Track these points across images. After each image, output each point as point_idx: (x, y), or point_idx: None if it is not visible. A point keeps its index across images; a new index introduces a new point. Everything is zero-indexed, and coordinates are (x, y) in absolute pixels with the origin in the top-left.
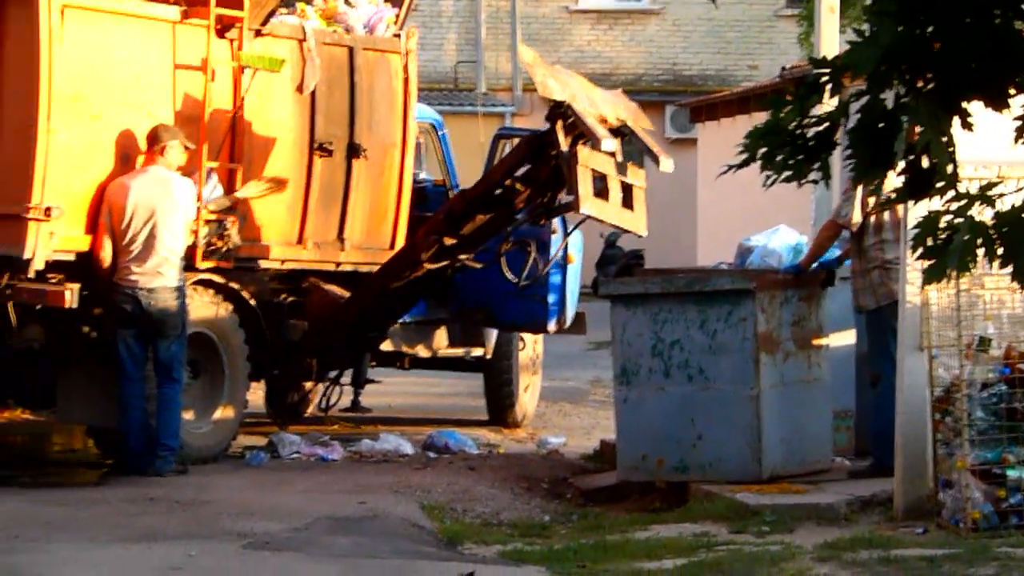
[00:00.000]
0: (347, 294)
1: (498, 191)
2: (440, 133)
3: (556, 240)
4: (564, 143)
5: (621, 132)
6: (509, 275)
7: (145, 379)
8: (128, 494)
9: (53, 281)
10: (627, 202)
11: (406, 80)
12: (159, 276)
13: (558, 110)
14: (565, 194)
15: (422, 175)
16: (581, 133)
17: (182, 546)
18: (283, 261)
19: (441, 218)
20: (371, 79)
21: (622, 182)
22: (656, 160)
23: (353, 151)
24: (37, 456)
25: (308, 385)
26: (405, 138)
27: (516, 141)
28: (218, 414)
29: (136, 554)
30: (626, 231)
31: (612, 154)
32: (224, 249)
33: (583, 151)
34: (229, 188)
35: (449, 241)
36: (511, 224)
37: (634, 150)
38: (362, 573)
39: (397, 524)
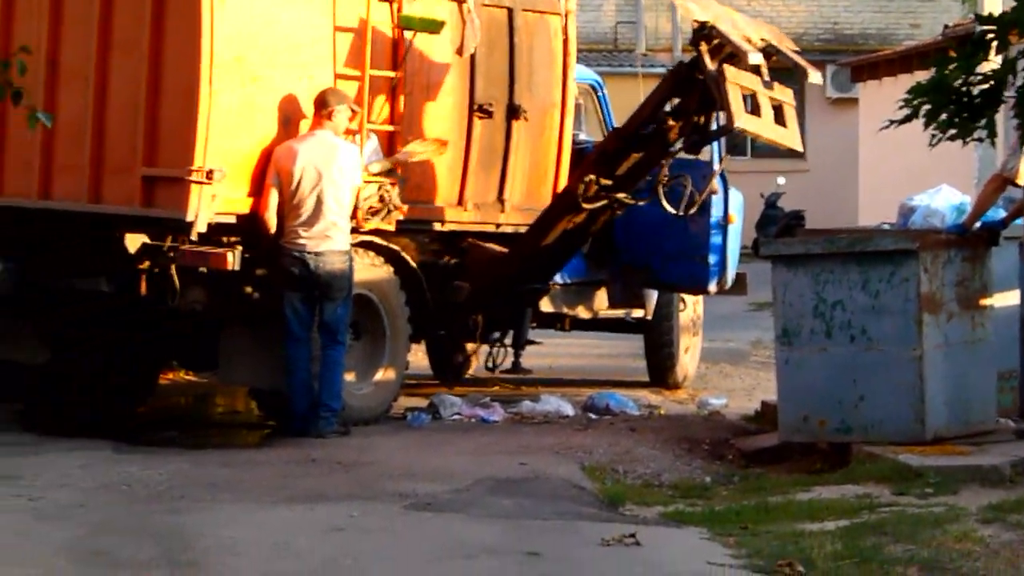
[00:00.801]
0: (497, 249)
1: (649, 127)
2: (600, 94)
3: (716, 201)
4: (711, 64)
5: (766, 52)
6: (668, 208)
7: (310, 341)
8: (291, 455)
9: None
10: (779, 120)
11: (565, 41)
12: (327, 240)
13: (701, 32)
14: (717, 114)
15: (582, 136)
16: (726, 55)
17: (344, 507)
18: (444, 223)
19: (595, 158)
20: (530, 40)
21: (772, 100)
22: (804, 74)
23: (513, 113)
24: (200, 418)
25: (471, 347)
26: (565, 99)
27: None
28: (379, 376)
29: (299, 515)
30: (782, 146)
31: (758, 70)
32: (385, 211)
33: (730, 70)
34: (389, 151)
35: (604, 180)
36: (666, 159)
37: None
38: (524, 534)
39: (558, 485)
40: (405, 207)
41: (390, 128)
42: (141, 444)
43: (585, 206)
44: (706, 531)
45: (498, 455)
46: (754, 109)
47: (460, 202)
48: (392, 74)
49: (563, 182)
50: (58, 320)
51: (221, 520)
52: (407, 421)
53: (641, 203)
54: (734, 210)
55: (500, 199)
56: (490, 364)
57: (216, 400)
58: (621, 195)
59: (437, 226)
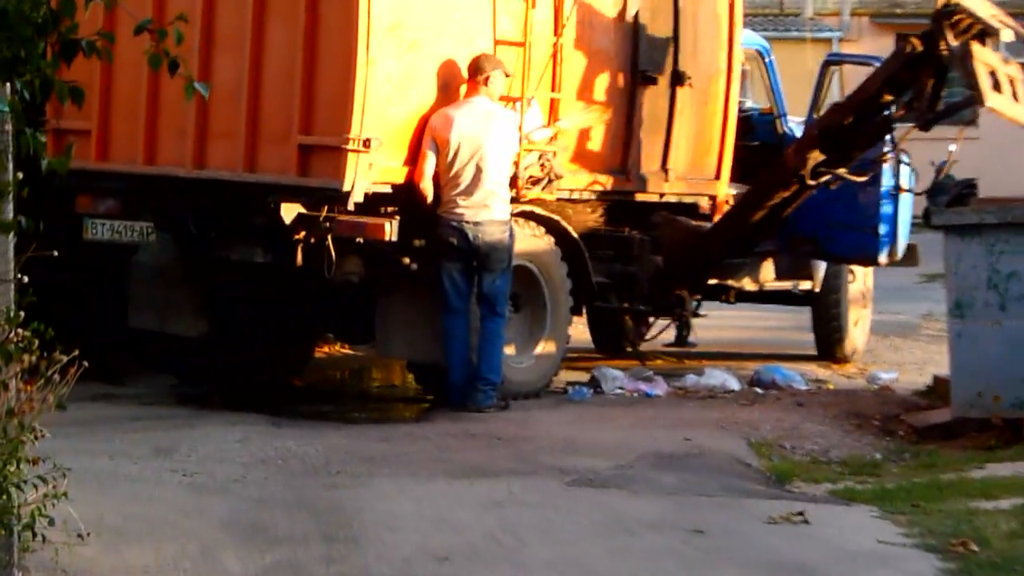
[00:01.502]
0: (699, 224)
1: (872, 102)
2: (767, 60)
3: (887, 170)
4: (954, 41)
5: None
6: (899, 184)
7: (468, 313)
8: (449, 429)
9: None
10: (1014, 96)
11: (731, 5)
12: (486, 209)
13: (945, 10)
14: (965, 91)
15: (748, 103)
16: (975, 32)
17: (504, 482)
18: (605, 192)
19: (815, 132)
20: (695, 5)
21: (1008, 76)
22: (996, 33)
23: (677, 79)
24: (357, 392)
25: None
26: (730, 65)
27: (845, 67)
28: (540, 349)
29: (458, 490)
30: (1020, 124)
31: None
32: (546, 181)
33: (976, 47)
34: (550, 118)
35: (822, 156)
36: (888, 134)
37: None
38: (688, 510)
39: (723, 461)
40: (566, 175)
41: (551, 95)
42: (298, 418)
43: (811, 183)
44: (876, 509)
45: (661, 430)
46: (995, 86)
47: (623, 171)
48: (554, 39)
49: (729, 151)
50: (214, 292)
51: (379, 495)
52: (568, 395)
53: (860, 179)
54: (905, 180)
55: (664, 168)
56: (685, 335)
57: (372, 373)
58: (841, 171)
59: (599, 196)
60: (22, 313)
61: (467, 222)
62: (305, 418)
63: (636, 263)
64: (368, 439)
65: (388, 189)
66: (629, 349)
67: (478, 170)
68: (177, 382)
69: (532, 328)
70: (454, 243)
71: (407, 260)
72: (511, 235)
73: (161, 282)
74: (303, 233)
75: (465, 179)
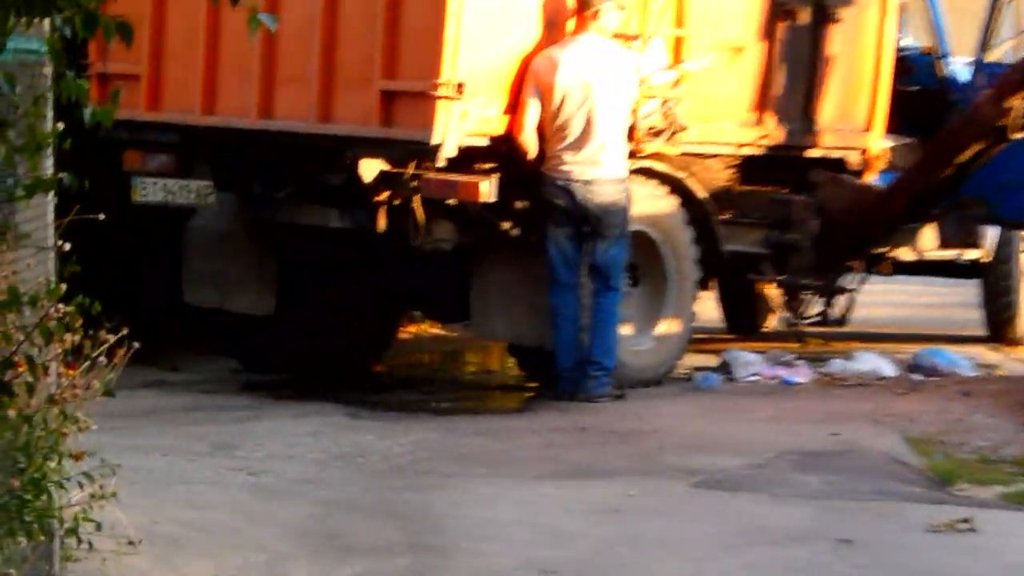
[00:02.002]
0: (869, 183)
1: None
2: None
3: None
4: None
5: None
6: None
7: (578, 287)
8: (556, 422)
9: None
10: None
11: None
12: (598, 165)
13: None
14: None
15: (906, 42)
16: None
17: (621, 484)
18: (739, 145)
19: (1017, 77)
20: None
21: None
22: None
23: (822, 14)
24: (449, 378)
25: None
26: None
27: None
28: (661, 328)
29: (566, 493)
30: None
31: None
32: (669, 132)
33: None
34: (674, 59)
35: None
36: None
37: None
38: (835, 517)
39: (877, 460)
40: (692, 126)
41: (676, 33)
42: (380, 409)
43: (1014, 136)
44: None
45: (804, 424)
46: None
47: (758, 121)
48: None
49: (883, 97)
50: (283, 263)
51: (474, 499)
52: (694, 383)
53: None
54: None
55: (806, 117)
56: (842, 314)
57: (467, 357)
58: None
59: (731, 149)
60: (64, 285)
61: (576, 180)
62: (388, 409)
63: (797, 229)
64: (461, 433)
65: (484, 142)
66: (766, 328)
67: (588, 120)
68: (240, 367)
69: (652, 304)
70: (561, 205)
71: (507, 225)
72: (627, 196)
73: (221, 251)
74: (386, 194)
75: (573, 131)
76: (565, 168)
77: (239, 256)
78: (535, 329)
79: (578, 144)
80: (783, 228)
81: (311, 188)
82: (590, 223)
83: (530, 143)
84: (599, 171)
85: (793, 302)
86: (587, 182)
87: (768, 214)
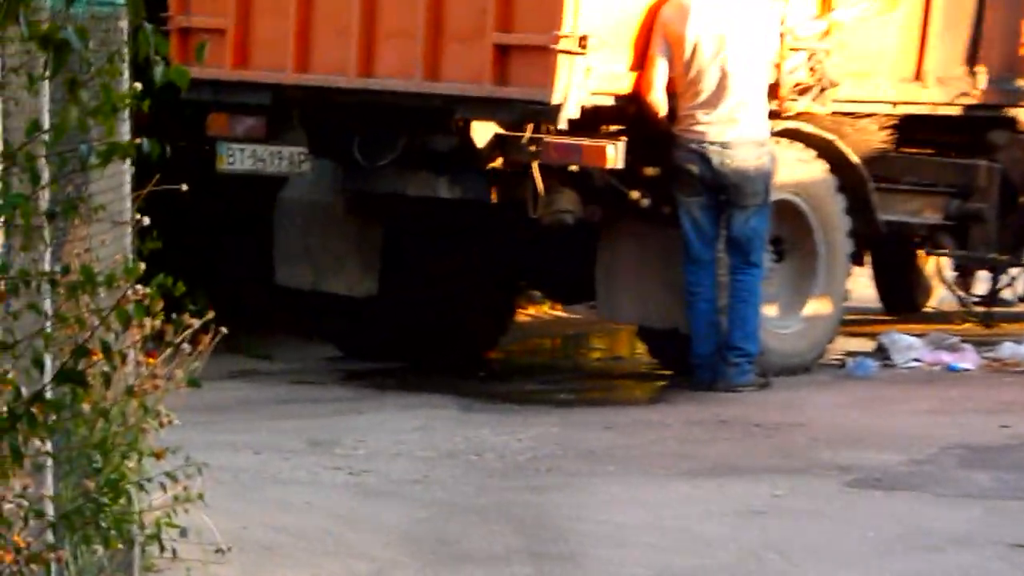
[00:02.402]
0: None
1: None
2: None
3: None
4: None
5: None
6: None
7: (715, 263)
8: (691, 415)
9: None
10: None
11: None
12: (735, 125)
13: None
14: None
15: None
16: None
17: (765, 483)
18: (895, 103)
19: None
20: None
21: None
22: None
23: None
24: (572, 366)
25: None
26: None
27: None
28: (809, 309)
29: (706, 494)
30: None
31: None
32: (817, 89)
33: None
34: (822, 7)
35: None
36: None
37: None
38: (1006, 519)
39: None
40: (842, 82)
41: None
42: (495, 400)
43: None
44: None
45: (970, 414)
46: None
47: (917, 76)
48: None
49: None
50: (386, 238)
51: (602, 500)
52: (847, 369)
53: None
54: None
55: (971, 71)
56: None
57: (592, 342)
58: None
59: (887, 108)
60: (143, 264)
61: (711, 143)
62: (504, 400)
63: (980, 198)
64: (587, 427)
65: (610, 102)
66: (927, 308)
67: (724, 74)
68: (338, 354)
69: (799, 282)
70: (694, 171)
71: (635, 195)
72: (769, 160)
73: (317, 226)
74: (500, 160)
75: (707, 87)
76: (699, 129)
77: (336, 231)
78: (667, 311)
79: (712, 101)
80: (964, 197)
81: (417, 155)
82: (727, 191)
83: (659, 101)
84: (737, 131)
85: (966, 279)
86: (723, 144)
87: (942, 181)
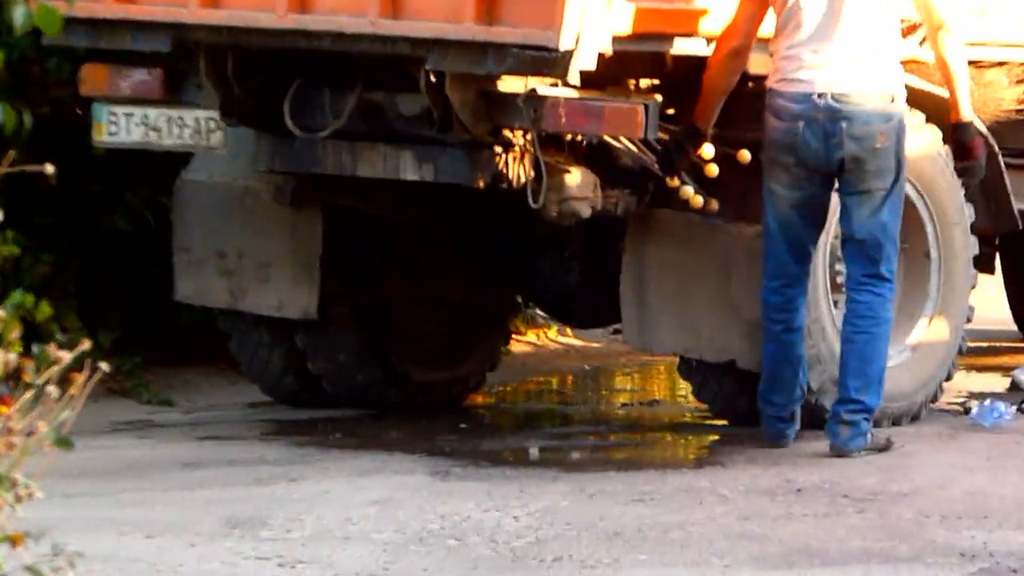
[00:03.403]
0: None
1: None
2: None
3: None
4: None
5: None
6: None
7: (808, 275)
8: (755, 481)
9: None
10: None
11: None
12: (853, 78)
13: None
14: None
15: None
16: None
17: (859, 574)
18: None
19: None
20: None
21: None
22: None
23: None
24: (590, 413)
25: None
26: None
27: None
28: (919, 334)
29: None
30: None
31: None
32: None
33: None
34: None
35: None
36: None
37: None
38: None
39: None
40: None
41: None
42: (482, 461)
43: None
44: None
45: None
46: None
47: None
48: None
49: None
50: (330, 239)
51: None
52: (971, 417)
53: None
54: None
55: None
56: None
57: (615, 380)
58: None
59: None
60: None
61: (817, 97)
62: (494, 462)
63: None
64: (609, 500)
65: (642, 47)
66: None
67: (832, 11)
68: (265, 399)
69: (905, 297)
70: (792, 137)
71: (675, 182)
72: (901, 130)
73: (234, 222)
74: (487, 128)
75: (809, 26)
76: (802, 76)
77: (260, 228)
78: (722, 338)
79: (823, 34)
80: None
81: (372, 122)
82: (842, 167)
83: (738, 43)
84: (855, 85)
85: None
86: (838, 100)
87: None
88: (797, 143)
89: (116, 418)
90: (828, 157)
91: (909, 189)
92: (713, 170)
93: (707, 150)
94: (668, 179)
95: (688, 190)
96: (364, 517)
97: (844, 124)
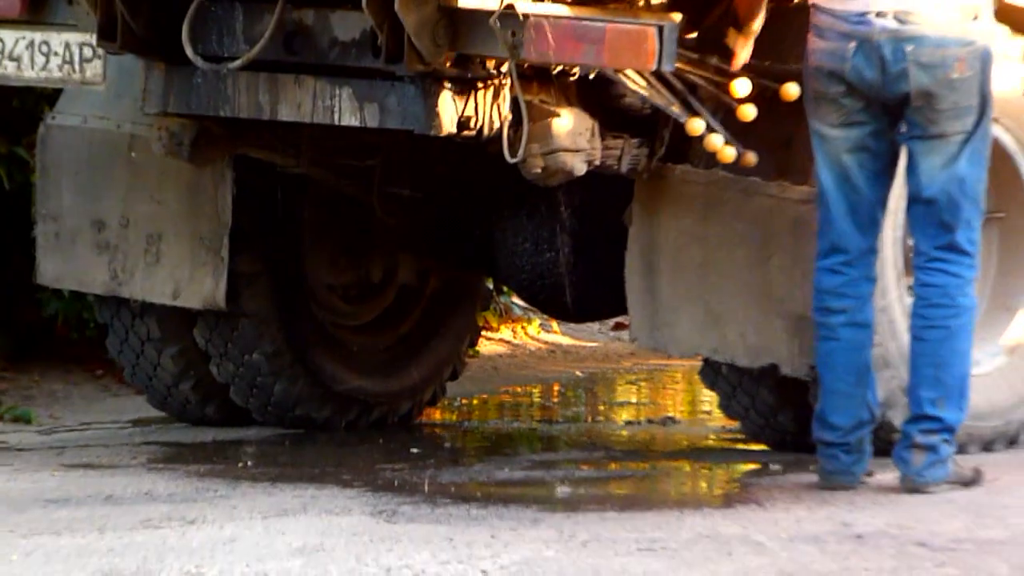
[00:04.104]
0: None
1: None
2: None
3: None
4: None
5: None
6: None
7: (873, 257)
8: (801, 526)
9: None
10: None
11: None
12: (921, 8)
13: None
14: None
15: None
16: None
17: None
18: None
19: None
20: None
21: None
22: None
23: None
24: (582, 433)
25: None
26: None
27: None
28: (1019, 332)
29: None
30: None
31: None
32: None
33: None
34: None
35: None
36: None
37: None
38: None
39: None
40: None
41: None
42: (440, 498)
43: None
44: None
45: None
46: None
47: None
48: None
49: None
50: (241, 203)
51: None
52: None
53: None
54: None
55: None
56: None
57: (616, 389)
58: None
59: None
60: None
61: (878, 15)
62: (456, 498)
63: None
64: (608, 547)
65: None
66: None
67: None
68: (155, 414)
69: (999, 281)
70: (839, 62)
71: (698, 127)
72: (985, 52)
73: (115, 180)
74: (450, 57)
75: None
76: (852, 6)
77: (153, 190)
78: (760, 336)
79: None
80: None
81: (298, 49)
82: (911, 107)
83: None
84: (923, 15)
85: None
86: (902, 17)
87: None
88: (845, 69)
89: None
90: (888, 91)
91: (998, 134)
92: (749, 112)
93: (741, 85)
94: (689, 124)
95: (716, 139)
96: (284, 572)
97: (909, 48)
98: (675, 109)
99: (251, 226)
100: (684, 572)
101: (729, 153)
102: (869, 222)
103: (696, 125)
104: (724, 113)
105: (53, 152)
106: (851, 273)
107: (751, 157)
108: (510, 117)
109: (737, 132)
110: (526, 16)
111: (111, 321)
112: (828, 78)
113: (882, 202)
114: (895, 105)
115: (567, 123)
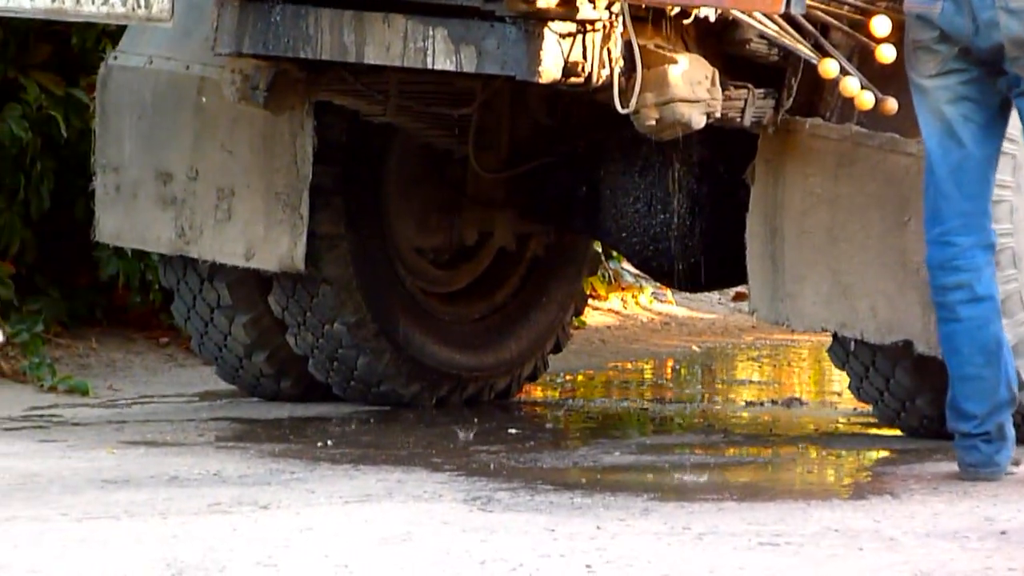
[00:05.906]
0: None
1: None
2: None
3: None
4: None
5: None
6: None
7: (986, 216)
8: (940, 521)
9: None
10: None
11: None
12: None
13: None
14: None
15: None
16: None
17: None
18: None
19: None
20: None
21: None
22: None
23: None
24: (696, 415)
25: None
26: None
27: None
28: None
29: None
30: None
31: None
32: None
33: None
34: None
35: None
36: None
37: None
38: None
39: None
40: None
41: None
42: (539, 484)
43: None
44: None
45: None
46: None
47: None
48: None
49: None
50: (323, 156)
51: None
52: None
53: None
54: None
55: None
56: None
57: (736, 367)
58: None
59: None
60: None
61: None
62: (556, 484)
63: None
64: (726, 541)
65: None
66: None
67: None
68: (228, 387)
69: None
70: (929, 7)
71: (832, 71)
72: None
73: (184, 128)
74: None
75: None
76: None
77: (225, 139)
78: (894, 311)
79: None
80: None
81: None
82: (1013, 64)
83: None
84: None
85: None
86: None
87: None
88: (935, 13)
89: (3, 411)
90: (980, 41)
91: None
92: (887, 54)
93: (880, 23)
94: (822, 66)
95: (852, 83)
96: (366, 564)
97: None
98: (806, 51)
99: (332, 181)
100: (810, 570)
101: (867, 99)
102: (978, 182)
103: (830, 67)
104: (860, 58)
105: (114, 96)
106: (961, 242)
107: (891, 104)
108: (622, 63)
109: (877, 78)
110: None
111: (177, 285)
112: (920, 23)
113: (991, 160)
114: (991, 58)
115: (685, 70)
